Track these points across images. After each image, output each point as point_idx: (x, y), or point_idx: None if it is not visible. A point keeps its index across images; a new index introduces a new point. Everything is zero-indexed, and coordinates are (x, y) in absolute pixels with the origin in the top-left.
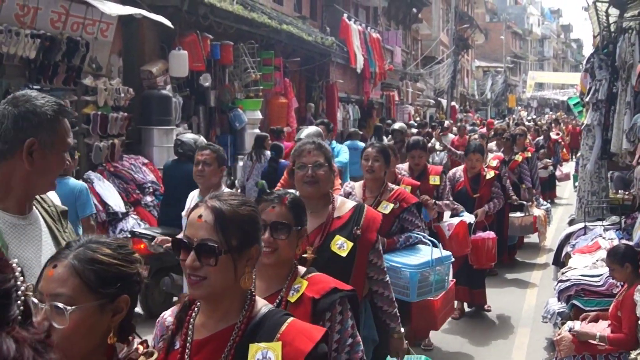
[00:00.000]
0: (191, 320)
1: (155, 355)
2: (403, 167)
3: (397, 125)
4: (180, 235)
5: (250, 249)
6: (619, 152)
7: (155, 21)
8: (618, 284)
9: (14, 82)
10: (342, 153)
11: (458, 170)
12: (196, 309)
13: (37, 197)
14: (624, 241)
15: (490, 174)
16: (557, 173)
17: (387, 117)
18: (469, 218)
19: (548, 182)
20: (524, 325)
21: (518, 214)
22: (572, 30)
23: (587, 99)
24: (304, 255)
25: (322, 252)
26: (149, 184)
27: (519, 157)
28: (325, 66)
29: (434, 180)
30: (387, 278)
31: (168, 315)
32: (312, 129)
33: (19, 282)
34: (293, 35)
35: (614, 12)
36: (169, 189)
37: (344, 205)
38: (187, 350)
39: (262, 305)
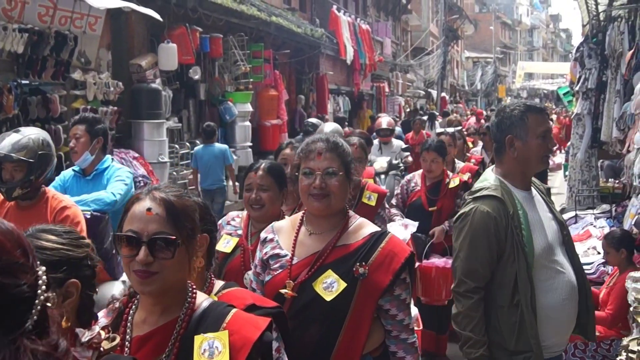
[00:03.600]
0: (129, 317)
1: (118, 340)
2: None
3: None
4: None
5: (198, 238)
6: (609, 140)
7: (144, 14)
8: (609, 270)
9: (2, 77)
10: None
11: (415, 176)
12: (133, 306)
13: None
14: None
15: (454, 182)
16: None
17: (378, 108)
18: (412, 227)
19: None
20: None
21: None
22: (561, 20)
23: (577, 88)
24: (282, 291)
25: (304, 290)
26: (140, 178)
27: None
28: (315, 58)
29: (369, 199)
30: (414, 338)
31: (102, 317)
32: (331, 125)
33: (39, 291)
34: (282, 28)
35: (603, 0)
36: None
37: (360, 230)
38: (126, 348)
39: (204, 299)
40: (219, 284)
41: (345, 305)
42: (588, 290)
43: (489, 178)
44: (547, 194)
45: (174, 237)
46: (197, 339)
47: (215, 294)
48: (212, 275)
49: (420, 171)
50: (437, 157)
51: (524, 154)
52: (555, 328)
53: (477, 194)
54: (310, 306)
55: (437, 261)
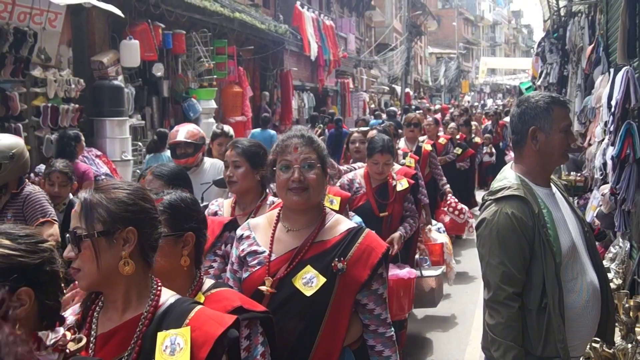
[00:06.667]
0: (94, 314)
1: (84, 341)
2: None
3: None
4: None
5: (122, 232)
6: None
7: (105, 10)
8: None
9: None
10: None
11: (357, 176)
12: (100, 302)
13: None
14: None
15: (402, 184)
16: (507, 158)
17: (342, 105)
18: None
19: (494, 168)
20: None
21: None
22: (523, 16)
23: (538, 83)
24: (261, 288)
25: (284, 286)
26: (103, 176)
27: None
28: (279, 54)
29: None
30: (391, 331)
31: (69, 314)
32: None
33: None
34: (246, 24)
35: None
36: None
37: (337, 226)
38: (91, 345)
39: (170, 295)
40: (208, 282)
41: (325, 300)
42: (610, 292)
43: (509, 176)
44: (564, 189)
45: (79, 232)
46: (160, 335)
47: (203, 293)
48: (202, 274)
49: (361, 171)
50: (390, 159)
51: (546, 147)
52: (577, 331)
53: (499, 195)
54: (290, 302)
55: (400, 272)
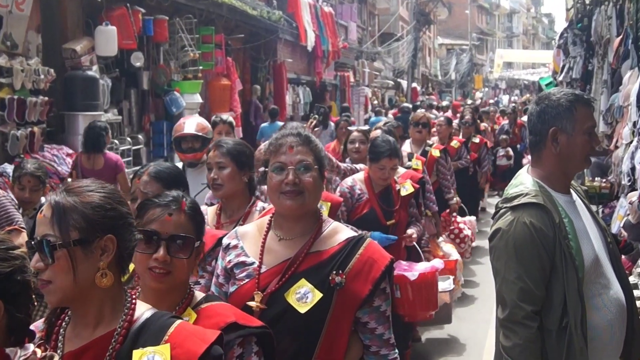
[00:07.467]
0: (61, 330)
1: (56, 358)
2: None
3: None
4: None
5: (101, 240)
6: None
7: None
8: None
9: None
10: None
11: (357, 182)
12: (67, 317)
13: None
14: None
15: (406, 189)
16: (525, 161)
17: (342, 100)
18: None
19: (512, 173)
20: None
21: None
22: (543, 4)
23: (560, 78)
24: (250, 304)
25: (275, 302)
26: None
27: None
28: (272, 44)
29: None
30: (395, 354)
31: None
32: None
33: None
34: (236, 9)
35: None
36: None
37: (336, 235)
38: None
39: (146, 309)
40: (199, 296)
41: (321, 318)
42: (636, 310)
43: (525, 182)
44: (585, 196)
45: (50, 240)
46: (136, 354)
47: (193, 308)
48: (192, 287)
49: (360, 175)
50: (397, 164)
51: (568, 150)
52: (601, 353)
53: (515, 202)
54: (282, 319)
55: (419, 266)
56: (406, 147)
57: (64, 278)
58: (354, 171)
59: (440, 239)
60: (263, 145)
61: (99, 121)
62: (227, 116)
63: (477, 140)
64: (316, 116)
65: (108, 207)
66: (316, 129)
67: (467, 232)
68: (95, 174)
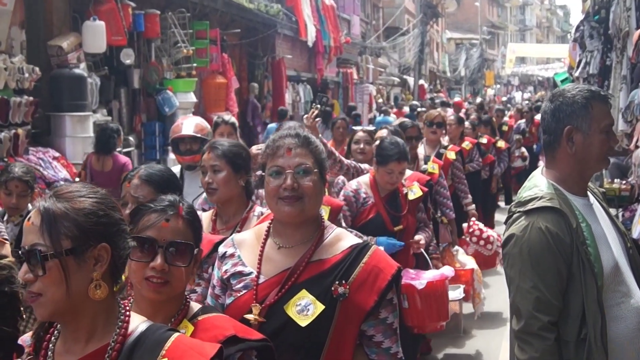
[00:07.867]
0: (50, 345)
1: None
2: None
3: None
4: None
5: (94, 249)
6: (615, 134)
7: None
8: None
9: None
10: None
11: (362, 185)
12: (56, 331)
13: None
14: None
15: (414, 192)
16: (541, 163)
17: (344, 98)
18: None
19: (526, 174)
20: None
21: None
22: None
23: (576, 74)
24: (247, 317)
25: (274, 315)
26: (62, 182)
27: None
28: (270, 39)
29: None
30: None
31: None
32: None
33: None
34: (231, 3)
35: None
36: None
37: (339, 242)
38: None
39: (141, 322)
40: (195, 307)
41: (324, 331)
42: None
43: (540, 184)
44: (603, 199)
45: (41, 249)
46: None
47: (190, 320)
48: (188, 297)
49: (365, 178)
50: (406, 167)
51: (584, 150)
52: None
53: (529, 206)
54: (282, 333)
55: (427, 274)
56: (421, 149)
57: (55, 290)
58: (358, 169)
59: (457, 247)
60: (255, 148)
61: (111, 123)
62: (229, 117)
63: (484, 140)
64: (318, 106)
65: (101, 213)
66: (317, 119)
67: (491, 232)
68: (104, 176)
